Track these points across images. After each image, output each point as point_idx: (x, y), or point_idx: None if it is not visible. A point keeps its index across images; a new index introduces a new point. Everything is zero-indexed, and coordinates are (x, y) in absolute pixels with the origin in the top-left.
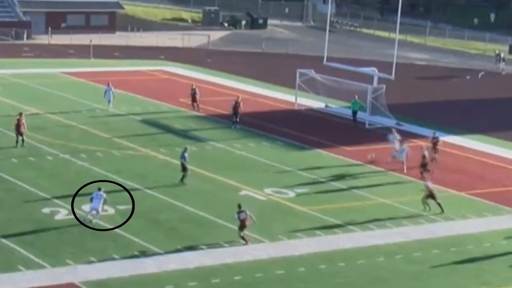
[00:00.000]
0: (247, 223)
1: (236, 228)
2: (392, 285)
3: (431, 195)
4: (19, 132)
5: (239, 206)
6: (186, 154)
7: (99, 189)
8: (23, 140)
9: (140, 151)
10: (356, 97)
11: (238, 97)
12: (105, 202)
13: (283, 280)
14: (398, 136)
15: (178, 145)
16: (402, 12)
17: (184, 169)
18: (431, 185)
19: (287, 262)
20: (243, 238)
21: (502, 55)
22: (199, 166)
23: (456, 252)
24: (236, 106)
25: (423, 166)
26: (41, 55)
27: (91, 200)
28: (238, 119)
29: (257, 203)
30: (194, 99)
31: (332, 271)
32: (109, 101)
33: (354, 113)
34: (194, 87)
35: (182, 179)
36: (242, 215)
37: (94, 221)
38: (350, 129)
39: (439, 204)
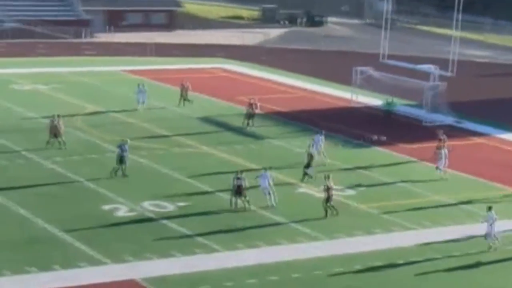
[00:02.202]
0: (243, 190)
1: (231, 192)
2: (448, 283)
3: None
4: (54, 134)
5: (239, 172)
6: (126, 147)
7: (265, 169)
8: (59, 142)
9: (199, 148)
10: (390, 98)
11: (252, 98)
12: (272, 179)
13: (341, 278)
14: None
15: (237, 143)
16: (461, 8)
17: (121, 161)
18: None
19: (345, 259)
20: (246, 202)
21: None
22: (257, 163)
23: None
24: (251, 108)
25: (307, 166)
26: (101, 53)
27: (259, 180)
28: (252, 121)
29: (315, 201)
30: (182, 95)
31: (389, 269)
32: (142, 102)
33: (389, 112)
34: (184, 83)
35: (121, 172)
36: (239, 182)
37: (269, 197)
38: (408, 126)
39: (328, 208)
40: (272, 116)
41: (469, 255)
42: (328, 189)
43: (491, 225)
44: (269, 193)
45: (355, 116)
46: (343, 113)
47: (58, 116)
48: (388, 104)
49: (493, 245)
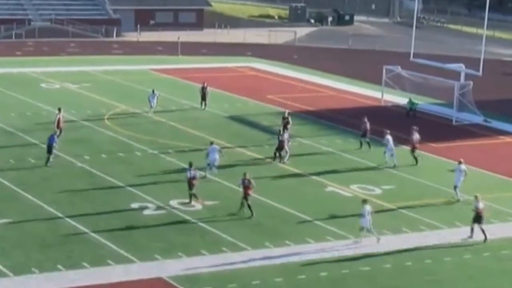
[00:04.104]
0: (195, 182)
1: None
2: (479, 283)
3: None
4: (59, 129)
5: (190, 164)
6: (54, 137)
7: (212, 143)
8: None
9: (227, 147)
10: (411, 97)
11: (285, 112)
12: (220, 152)
13: (369, 277)
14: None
15: (266, 142)
16: (490, 7)
17: (49, 151)
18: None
19: (373, 259)
20: (194, 196)
21: None
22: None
23: None
24: (285, 123)
25: (280, 149)
26: (130, 52)
27: (207, 155)
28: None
29: (343, 200)
30: (204, 97)
31: (418, 268)
32: (151, 106)
33: (409, 110)
34: (205, 85)
35: (46, 161)
36: (192, 173)
37: (214, 170)
38: (437, 125)
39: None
40: (301, 115)
41: (500, 253)
42: (244, 187)
43: (365, 217)
44: (214, 166)
45: (385, 115)
46: (373, 112)
47: (59, 110)
48: (410, 103)
49: (364, 237)
